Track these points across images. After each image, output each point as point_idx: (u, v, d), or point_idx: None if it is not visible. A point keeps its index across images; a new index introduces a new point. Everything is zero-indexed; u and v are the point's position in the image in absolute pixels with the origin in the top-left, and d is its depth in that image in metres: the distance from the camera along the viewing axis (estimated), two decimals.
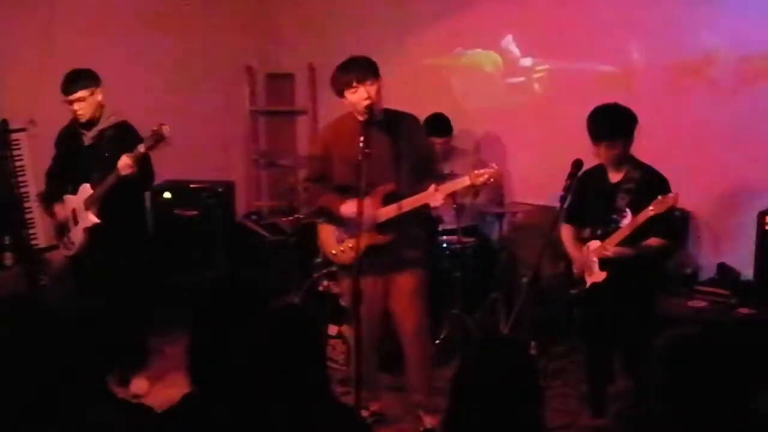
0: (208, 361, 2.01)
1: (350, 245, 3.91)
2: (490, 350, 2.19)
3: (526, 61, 5.72)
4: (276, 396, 1.95)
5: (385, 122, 3.94)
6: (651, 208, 3.61)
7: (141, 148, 4.18)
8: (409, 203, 3.85)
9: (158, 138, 4.13)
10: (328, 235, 4.10)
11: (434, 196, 3.78)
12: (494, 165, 3.80)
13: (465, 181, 3.75)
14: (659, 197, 3.60)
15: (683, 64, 4.99)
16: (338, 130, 4.02)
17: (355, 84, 3.83)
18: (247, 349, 1.96)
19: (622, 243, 3.76)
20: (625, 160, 3.86)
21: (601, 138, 3.79)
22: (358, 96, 3.83)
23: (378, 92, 3.86)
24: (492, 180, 3.73)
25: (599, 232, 3.88)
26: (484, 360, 2.14)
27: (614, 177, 3.90)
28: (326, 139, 4.12)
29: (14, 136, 4.80)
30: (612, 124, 3.80)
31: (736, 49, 4.80)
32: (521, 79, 5.75)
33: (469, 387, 2.10)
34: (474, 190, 4.03)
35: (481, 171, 3.73)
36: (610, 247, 3.76)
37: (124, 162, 4.17)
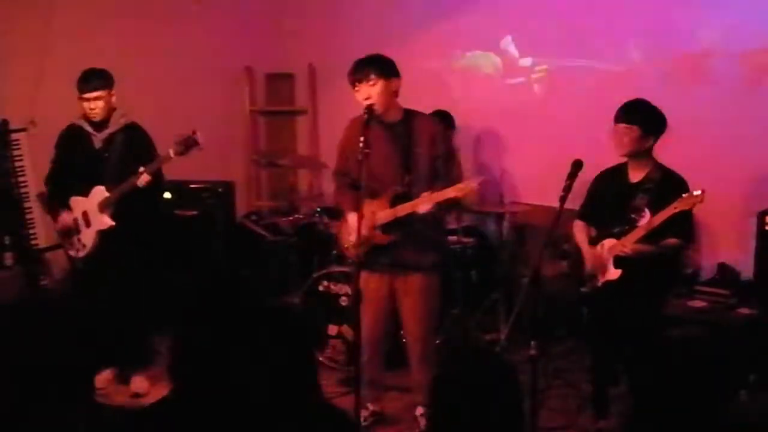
0: (189, 362, 2.00)
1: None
2: (463, 365, 2.18)
3: (526, 62, 5.72)
4: (265, 399, 1.94)
5: (402, 124, 3.95)
6: (674, 205, 3.60)
7: (171, 152, 4.20)
8: (402, 209, 3.86)
9: (190, 144, 4.18)
10: (344, 229, 4.14)
11: (422, 204, 3.78)
12: (476, 178, 3.77)
13: (449, 192, 3.74)
14: (684, 195, 3.60)
15: (683, 64, 5.00)
16: (354, 127, 4.03)
17: (356, 84, 3.87)
18: (235, 351, 1.94)
19: (639, 242, 3.76)
20: (645, 157, 3.86)
21: (619, 118, 3.82)
22: (360, 95, 3.88)
23: (382, 91, 3.85)
24: (473, 193, 3.72)
25: (616, 230, 3.88)
26: (457, 375, 2.14)
27: (634, 177, 3.90)
28: (346, 135, 4.14)
29: (14, 136, 4.79)
30: (635, 108, 3.83)
31: (736, 47, 4.80)
32: (521, 79, 5.76)
33: (445, 402, 2.10)
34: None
35: (463, 185, 3.73)
36: (629, 245, 3.76)
37: (145, 179, 4.23)
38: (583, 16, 5.35)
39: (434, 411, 2.14)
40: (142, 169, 4.23)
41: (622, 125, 3.82)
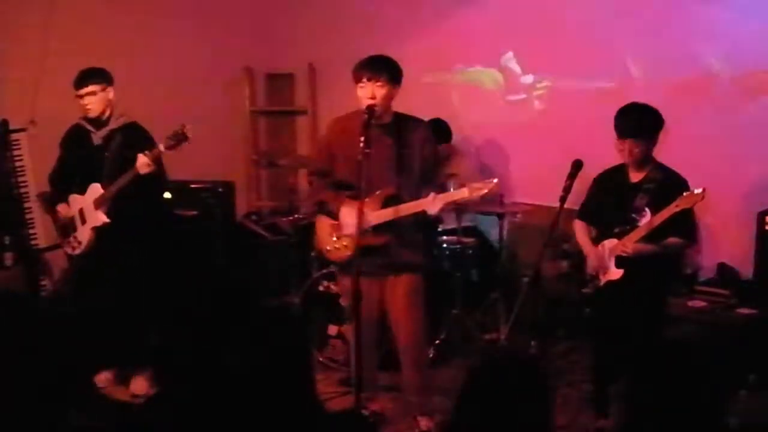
0: (172, 363, 2.01)
1: (344, 243, 3.94)
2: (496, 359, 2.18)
3: (527, 79, 5.73)
4: (260, 399, 1.94)
5: (393, 126, 3.93)
6: (676, 203, 3.61)
7: (161, 146, 4.18)
8: (406, 208, 3.83)
9: (180, 138, 4.14)
10: (323, 230, 4.10)
11: (432, 204, 3.74)
12: (495, 179, 3.74)
13: (463, 192, 3.72)
14: (685, 193, 3.60)
15: (682, 79, 5.00)
16: (344, 126, 4.01)
17: (364, 80, 3.83)
18: (229, 350, 1.94)
19: (640, 241, 3.77)
20: (647, 160, 3.87)
21: (626, 134, 3.81)
22: (364, 93, 3.83)
23: (386, 96, 3.84)
24: (490, 194, 3.72)
25: (617, 230, 3.88)
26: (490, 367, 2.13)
27: (635, 177, 3.90)
28: (331, 134, 4.12)
29: (14, 136, 4.80)
30: (640, 121, 3.82)
31: (735, 64, 4.81)
32: (522, 96, 5.77)
33: (473, 392, 2.09)
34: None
35: (480, 184, 3.69)
36: (630, 244, 3.76)
37: (142, 161, 4.18)
38: (585, 35, 5.35)
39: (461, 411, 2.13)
40: (144, 154, 4.19)
41: (630, 140, 3.81)
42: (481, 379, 2.12)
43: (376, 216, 3.85)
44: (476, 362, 2.25)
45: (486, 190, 3.68)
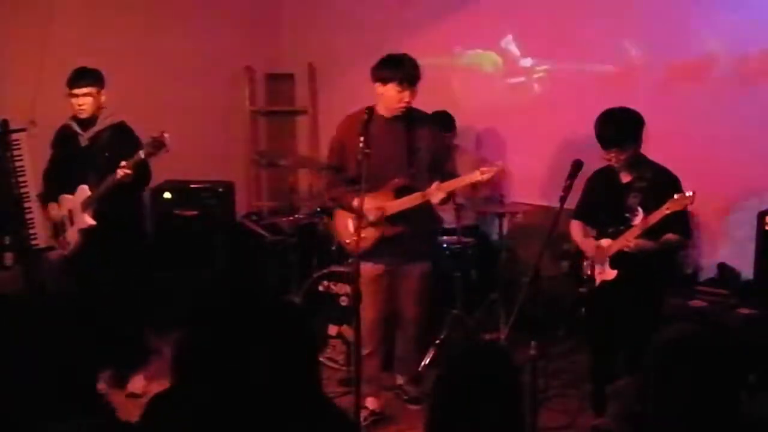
0: (196, 359, 2.00)
1: (363, 235, 3.97)
2: (470, 356, 2.19)
3: (526, 62, 5.72)
4: (269, 396, 1.94)
5: (405, 119, 4.02)
6: (666, 206, 3.61)
7: (141, 154, 4.18)
8: (411, 199, 3.95)
9: (158, 145, 4.14)
10: (343, 223, 4.19)
11: (435, 194, 3.88)
12: (500, 162, 3.96)
13: (476, 176, 3.86)
14: (675, 196, 3.61)
15: (683, 64, 4.99)
16: (355, 123, 4.04)
17: (405, 84, 3.91)
18: (243, 348, 1.94)
19: (638, 239, 3.76)
20: (637, 160, 3.87)
21: (610, 145, 3.81)
22: (400, 97, 3.92)
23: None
24: (495, 177, 3.93)
25: (611, 230, 3.89)
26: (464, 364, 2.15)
27: (626, 177, 3.92)
28: (343, 131, 4.18)
29: (14, 136, 4.78)
30: (620, 131, 3.82)
31: (735, 48, 4.79)
32: (521, 79, 5.76)
33: (449, 390, 2.10)
34: (476, 185, 4.24)
35: (488, 168, 3.86)
36: (632, 240, 3.77)
37: (120, 170, 4.17)
38: (585, 18, 5.34)
39: (434, 408, 2.14)
40: (123, 163, 4.19)
41: (614, 150, 3.81)
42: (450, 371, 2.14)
43: (390, 207, 3.96)
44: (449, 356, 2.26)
45: (492, 173, 3.86)
